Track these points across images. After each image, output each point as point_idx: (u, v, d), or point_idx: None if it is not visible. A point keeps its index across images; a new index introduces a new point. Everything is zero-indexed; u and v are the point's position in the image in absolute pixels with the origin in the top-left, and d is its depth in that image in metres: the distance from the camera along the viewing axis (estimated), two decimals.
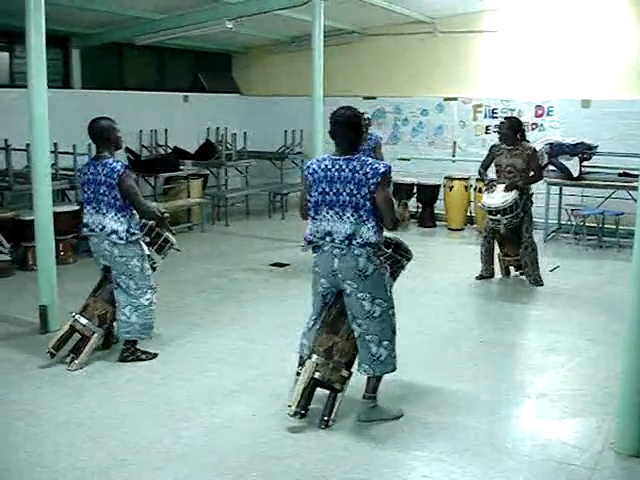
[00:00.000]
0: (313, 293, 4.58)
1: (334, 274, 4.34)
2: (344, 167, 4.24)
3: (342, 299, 4.42)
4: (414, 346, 5.84)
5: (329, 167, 4.29)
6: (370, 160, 4.27)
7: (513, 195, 7.47)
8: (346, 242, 4.23)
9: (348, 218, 4.23)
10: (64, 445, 4.13)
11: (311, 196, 4.38)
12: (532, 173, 7.63)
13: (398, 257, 4.44)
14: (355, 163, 4.23)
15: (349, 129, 4.30)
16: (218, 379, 5.14)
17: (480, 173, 8.01)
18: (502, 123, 7.70)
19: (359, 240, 4.21)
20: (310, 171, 4.37)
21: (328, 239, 4.31)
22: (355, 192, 4.20)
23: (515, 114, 10.85)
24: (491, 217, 7.67)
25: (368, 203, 4.19)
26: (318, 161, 4.39)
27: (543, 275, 7.87)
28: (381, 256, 4.30)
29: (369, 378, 4.47)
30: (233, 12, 9.88)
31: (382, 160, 8.26)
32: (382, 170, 4.19)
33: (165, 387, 5.00)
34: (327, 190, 4.29)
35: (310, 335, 4.58)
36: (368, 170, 4.18)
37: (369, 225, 4.21)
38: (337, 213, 4.26)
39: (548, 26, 10.89)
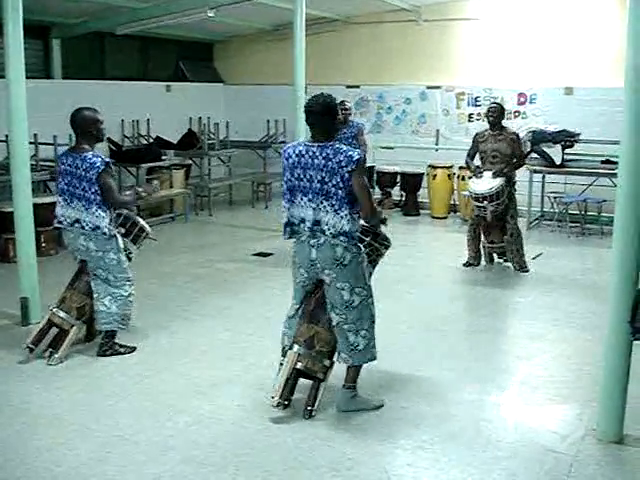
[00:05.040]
0: (294, 282, 4.56)
1: (312, 264, 4.33)
2: (317, 154, 4.21)
3: (322, 288, 4.40)
4: (400, 335, 5.87)
5: (302, 153, 4.28)
6: (344, 148, 4.23)
7: (499, 182, 7.51)
8: (318, 230, 4.23)
9: (318, 206, 4.22)
10: (48, 440, 4.10)
11: (286, 181, 4.38)
12: (514, 160, 7.67)
13: (377, 245, 4.44)
14: (329, 151, 4.19)
15: (323, 117, 4.26)
16: (202, 370, 5.12)
17: (467, 162, 8.04)
18: (493, 109, 7.72)
19: (332, 230, 4.19)
20: (286, 155, 4.37)
21: (302, 226, 4.31)
22: (327, 180, 4.17)
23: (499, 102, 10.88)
24: (477, 204, 7.68)
25: (340, 192, 4.16)
26: (294, 146, 4.39)
27: (527, 262, 7.93)
28: (360, 244, 4.29)
29: (348, 367, 4.47)
30: (214, 0, 9.80)
31: (365, 146, 8.38)
32: (356, 157, 4.15)
33: (148, 379, 4.97)
34: (301, 176, 4.28)
35: (291, 324, 4.57)
36: (342, 158, 4.14)
37: (342, 214, 4.17)
38: (310, 200, 4.25)
39: (531, 14, 10.89)
